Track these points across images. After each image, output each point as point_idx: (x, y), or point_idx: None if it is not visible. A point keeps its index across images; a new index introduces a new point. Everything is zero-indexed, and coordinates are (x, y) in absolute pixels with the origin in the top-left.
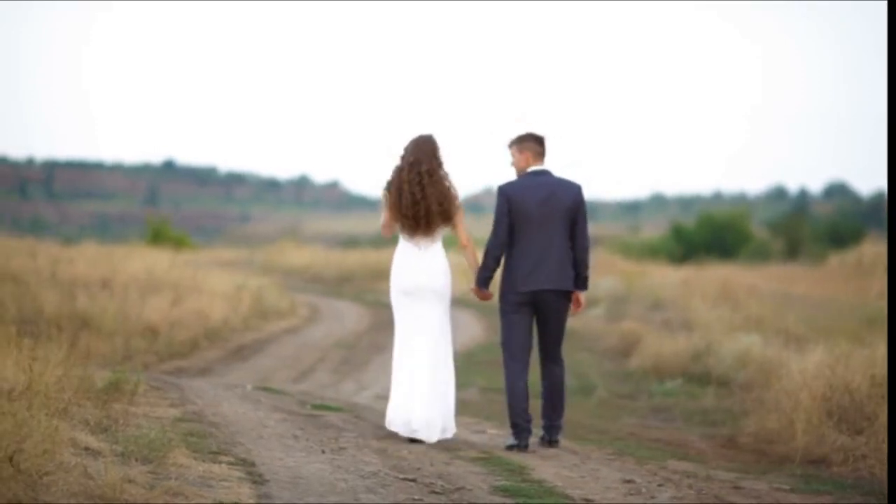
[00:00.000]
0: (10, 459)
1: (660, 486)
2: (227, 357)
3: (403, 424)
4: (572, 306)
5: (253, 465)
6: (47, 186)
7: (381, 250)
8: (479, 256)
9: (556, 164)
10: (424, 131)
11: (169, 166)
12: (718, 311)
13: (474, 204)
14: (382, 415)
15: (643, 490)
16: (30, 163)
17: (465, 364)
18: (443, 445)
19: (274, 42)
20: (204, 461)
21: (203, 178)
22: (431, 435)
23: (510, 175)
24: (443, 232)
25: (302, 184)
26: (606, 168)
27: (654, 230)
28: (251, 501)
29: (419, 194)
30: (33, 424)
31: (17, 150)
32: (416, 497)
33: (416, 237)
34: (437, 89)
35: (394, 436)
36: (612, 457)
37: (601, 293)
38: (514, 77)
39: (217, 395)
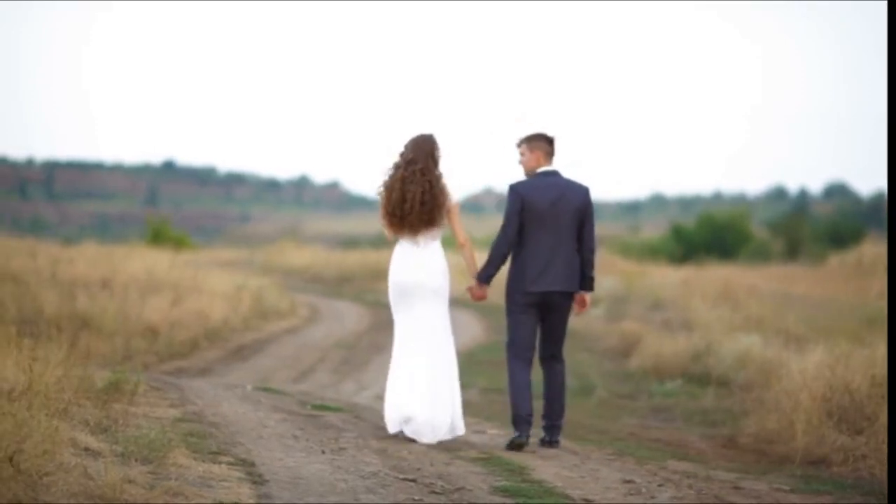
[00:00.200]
0: (11, 460)
1: (660, 486)
2: (227, 357)
3: (402, 423)
4: (577, 306)
5: (253, 465)
6: (47, 187)
7: (381, 251)
8: (476, 256)
9: (556, 164)
10: (426, 131)
11: (169, 166)
12: (718, 312)
13: (474, 204)
14: (382, 415)
15: (643, 490)
16: (30, 163)
17: (466, 364)
18: (443, 446)
19: (274, 42)
20: (204, 461)
21: (203, 178)
22: (436, 436)
23: (511, 174)
24: (440, 230)
25: (302, 184)
26: (606, 168)
27: (654, 230)
28: (251, 502)
29: (407, 193)
30: (33, 425)
31: (17, 150)
32: (416, 497)
33: (403, 235)
34: (438, 89)
35: (394, 436)
36: (612, 457)
37: (601, 293)
38: (514, 77)
39: (217, 396)
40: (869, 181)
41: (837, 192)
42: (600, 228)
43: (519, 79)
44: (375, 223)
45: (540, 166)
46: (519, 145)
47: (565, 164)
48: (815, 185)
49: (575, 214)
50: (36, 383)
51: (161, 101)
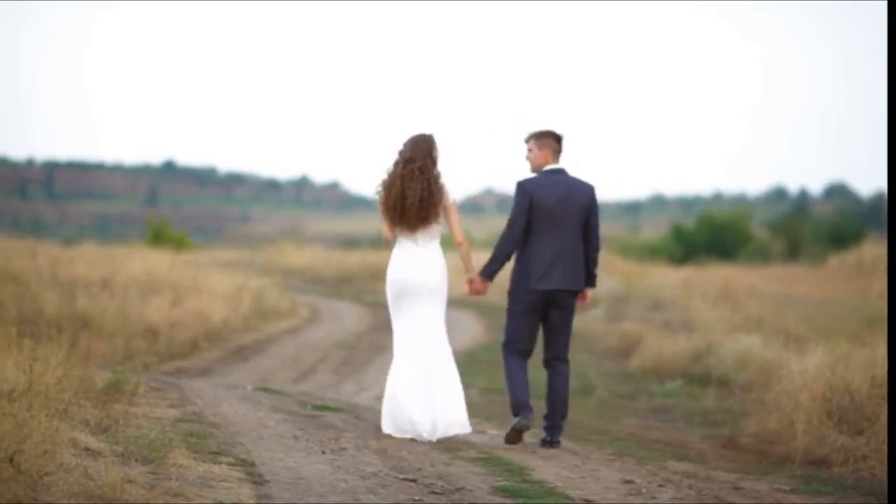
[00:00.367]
0: (11, 460)
1: (660, 486)
2: (227, 358)
3: (404, 428)
4: (578, 301)
5: (253, 465)
6: (47, 187)
7: (381, 251)
8: (473, 256)
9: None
10: (425, 131)
11: (169, 167)
12: (719, 312)
13: (474, 204)
14: (380, 414)
15: (643, 491)
16: (30, 163)
17: (466, 364)
18: (443, 446)
19: (274, 42)
20: (204, 462)
21: (203, 178)
22: (438, 433)
23: (511, 174)
24: (438, 229)
25: (302, 184)
26: (606, 168)
27: (654, 231)
28: (251, 502)
29: (408, 189)
30: (33, 425)
31: (18, 150)
32: (417, 497)
33: (403, 232)
34: (438, 89)
35: (394, 437)
36: (612, 457)
37: (601, 293)
38: (514, 77)
39: (217, 396)
40: (869, 181)
41: (837, 192)
42: (600, 229)
43: (519, 79)
44: (376, 223)
45: (547, 164)
46: (527, 141)
47: (565, 164)
48: (816, 186)
49: (581, 213)
50: (36, 384)
51: (161, 101)
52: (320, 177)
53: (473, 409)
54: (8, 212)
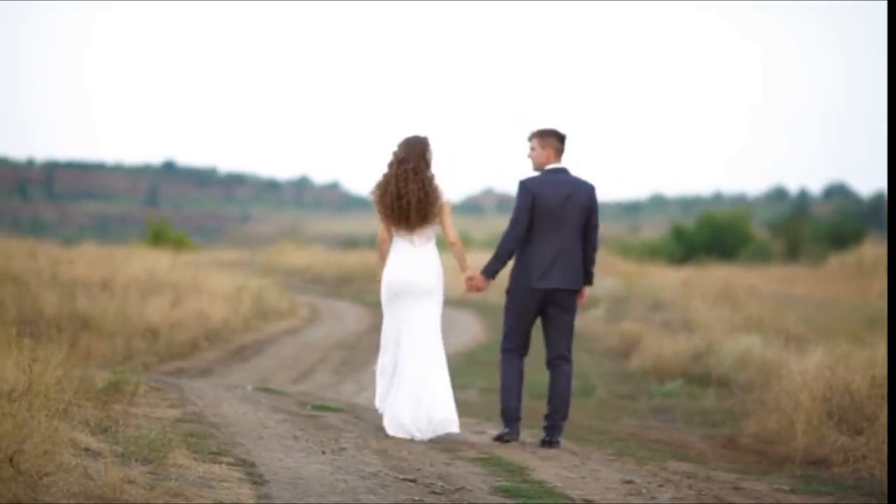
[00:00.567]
0: (11, 460)
1: (660, 486)
2: (227, 358)
3: (398, 427)
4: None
5: (253, 465)
6: (47, 187)
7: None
8: (472, 257)
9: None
10: (420, 132)
11: (169, 167)
12: (719, 312)
13: (474, 205)
14: (382, 416)
15: (643, 491)
16: (30, 163)
17: (466, 364)
18: (443, 446)
19: (274, 42)
20: (204, 462)
21: (203, 178)
22: (428, 433)
23: (511, 174)
24: (434, 230)
25: (302, 184)
26: (606, 168)
27: (654, 231)
28: (251, 502)
29: (403, 190)
30: (33, 425)
31: (18, 150)
32: (416, 497)
33: (401, 232)
34: (438, 90)
35: (394, 437)
36: (612, 457)
37: (601, 294)
38: (514, 77)
39: (217, 396)
40: (869, 181)
41: (837, 192)
42: (600, 229)
43: (519, 79)
44: (375, 224)
45: (549, 163)
46: (530, 139)
47: (565, 164)
48: (816, 186)
49: (582, 212)
50: (36, 384)
51: (161, 101)
52: (320, 177)
53: (473, 409)
54: (8, 212)
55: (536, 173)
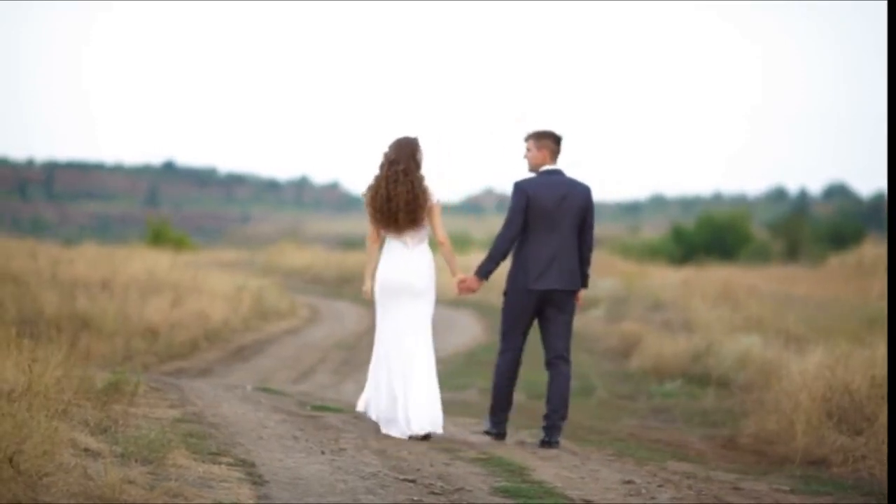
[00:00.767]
0: (10, 460)
1: (660, 486)
2: (227, 358)
3: (381, 424)
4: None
5: (253, 465)
6: (47, 187)
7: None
8: (473, 256)
9: (558, 163)
10: (410, 133)
11: (169, 167)
12: (718, 312)
13: (474, 205)
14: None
15: (643, 491)
16: (30, 163)
17: (465, 364)
18: (442, 446)
19: (274, 42)
20: (204, 462)
21: (203, 178)
22: (411, 431)
23: (511, 174)
24: (426, 231)
25: (302, 184)
26: (606, 169)
27: (654, 231)
28: (251, 502)
29: (392, 192)
30: (33, 425)
31: (18, 150)
32: (416, 498)
33: (391, 234)
34: (438, 90)
35: (393, 436)
36: (611, 458)
37: (601, 294)
38: (514, 77)
39: (217, 396)
40: (869, 181)
41: (837, 192)
42: (600, 229)
43: (519, 79)
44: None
45: (545, 164)
46: (526, 140)
47: (565, 164)
48: (815, 186)
49: (578, 213)
50: (36, 384)
51: (161, 101)
52: (320, 177)
53: (472, 409)
54: (8, 212)
55: (532, 174)
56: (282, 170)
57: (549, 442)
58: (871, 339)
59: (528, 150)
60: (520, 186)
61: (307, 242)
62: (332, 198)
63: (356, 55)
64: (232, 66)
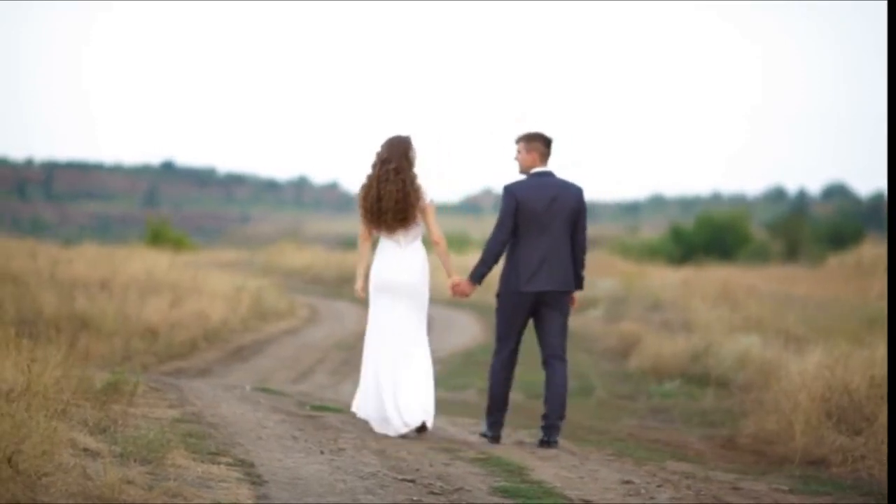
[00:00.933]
0: (9, 460)
1: (659, 486)
2: (226, 358)
3: (372, 422)
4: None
5: (252, 465)
6: (47, 187)
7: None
8: (471, 255)
9: (556, 164)
10: (402, 132)
11: (168, 167)
12: (718, 312)
13: (473, 205)
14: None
15: (642, 491)
16: (29, 163)
17: (465, 364)
18: (442, 446)
19: (273, 42)
20: (203, 462)
21: (203, 178)
22: (404, 428)
23: (511, 172)
24: (419, 230)
25: (301, 184)
26: (606, 168)
27: (653, 231)
28: (250, 502)
29: (383, 190)
30: (32, 425)
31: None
32: (415, 498)
33: (382, 233)
34: (437, 90)
35: (390, 436)
36: (611, 457)
37: (600, 294)
38: (514, 77)
39: (216, 396)
40: (868, 182)
41: (837, 192)
42: (599, 229)
43: (519, 79)
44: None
45: (535, 166)
46: (516, 142)
47: (565, 164)
48: (815, 186)
49: (569, 215)
50: (35, 384)
51: (161, 102)
52: (319, 177)
53: (471, 410)
54: (7, 212)
55: (523, 176)
56: (281, 170)
57: (547, 442)
58: (871, 340)
59: (519, 152)
60: (509, 189)
61: (306, 242)
62: (331, 198)
63: (355, 55)
64: (231, 66)
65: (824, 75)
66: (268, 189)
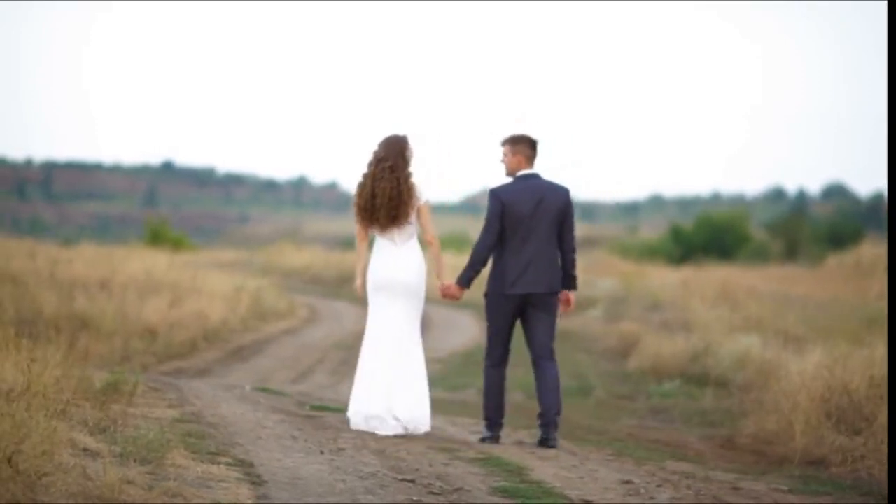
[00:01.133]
0: (9, 460)
1: (658, 486)
2: (225, 358)
3: (366, 420)
4: (562, 305)
5: (251, 465)
6: (46, 187)
7: None
8: (444, 256)
9: (556, 164)
10: (399, 131)
11: (168, 167)
12: (717, 312)
13: (473, 204)
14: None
15: (642, 491)
16: (28, 163)
17: (464, 364)
18: (441, 446)
19: (273, 42)
20: (202, 462)
21: (202, 178)
22: (399, 429)
23: (499, 175)
24: (414, 228)
25: (300, 184)
26: (605, 169)
27: (652, 231)
28: (249, 502)
29: (377, 187)
30: (32, 425)
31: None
32: (415, 498)
33: (376, 231)
34: (437, 89)
35: (389, 436)
36: (610, 457)
37: (600, 294)
38: (513, 77)
39: (216, 396)
40: (868, 182)
41: (836, 192)
42: (599, 229)
43: (518, 79)
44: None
45: (521, 168)
46: (502, 145)
47: (565, 164)
48: (814, 186)
49: (556, 217)
50: (34, 384)
51: (160, 102)
52: (319, 177)
53: (470, 410)
54: (7, 212)
55: (510, 179)
56: (280, 170)
57: (546, 439)
58: (870, 340)
59: (504, 155)
60: (495, 192)
61: (306, 242)
62: (330, 198)
63: (355, 55)
64: (231, 66)
65: (824, 75)
66: (267, 189)
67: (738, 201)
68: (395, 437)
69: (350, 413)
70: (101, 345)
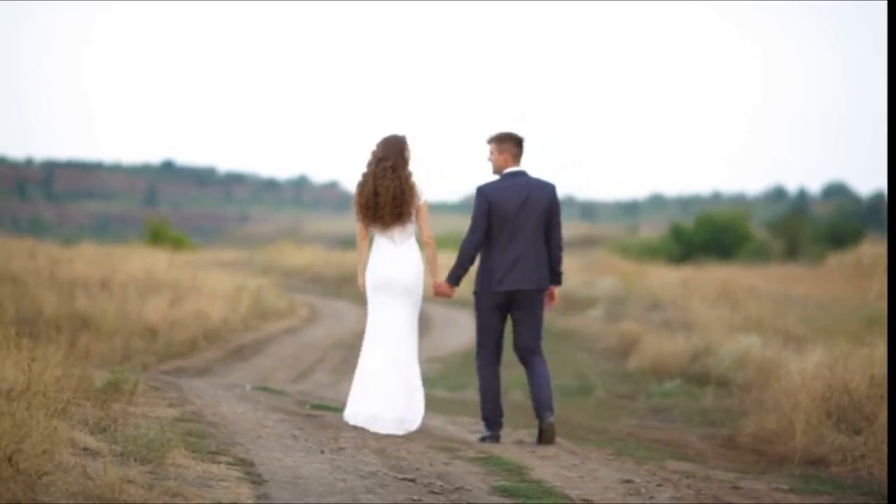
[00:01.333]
0: (10, 459)
1: (659, 486)
2: (226, 357)
3: (364, 419)
4: (547, 300)
5: (252, 465)
6: (46, 187)
7: None
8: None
9: (557, 164)
10: (398, 132)
11: (168, 166)
12: (717, 312)
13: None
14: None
15: (642, 490)
16: (29, 163)
17: (465, 364)
18: (441, 445)
19: (274, 42)
20: (203, 461)
21: (202, 178)
22: (392, 428)
23: (490, 172)
24: (413, 227)
25: (301, 184)
26: (605, 168)
27: (652, 230)
28: (250, 501)
29: (380, 186)
30: (32, 424)
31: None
32: (415, 497)
33: (377, 230)
34: (437, 89)
35: (392, 436)
36: (611, 457)
37: (600, 294)
38: (513, 77)
39: (216, 395)
40: (868, 181)
41: (837, 192)
42: (599, 229)
43: (518, 79)
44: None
45: (507, 166)
46: (488, 143)
47: (565, 164)
48: (815, 186)
49: (542, 214)
50: (35, 383)
51: (161, 101)
52: (319, 176)
53: (470, 409)
54: (7, 212)
55: (497, 177)
56: (281, 169)
57: (542, 419)
58: (871, 339)
59: (491, 153)
60: (481, 191)
61: (306, 242)
62: (331, 197)
63: (355, 55)
64: (231, 65)
65: (824, 75)
66: (267, 188)
67: (739, 201)
68: (395, 436)
69: (346, 414)
70: (102, 344)
